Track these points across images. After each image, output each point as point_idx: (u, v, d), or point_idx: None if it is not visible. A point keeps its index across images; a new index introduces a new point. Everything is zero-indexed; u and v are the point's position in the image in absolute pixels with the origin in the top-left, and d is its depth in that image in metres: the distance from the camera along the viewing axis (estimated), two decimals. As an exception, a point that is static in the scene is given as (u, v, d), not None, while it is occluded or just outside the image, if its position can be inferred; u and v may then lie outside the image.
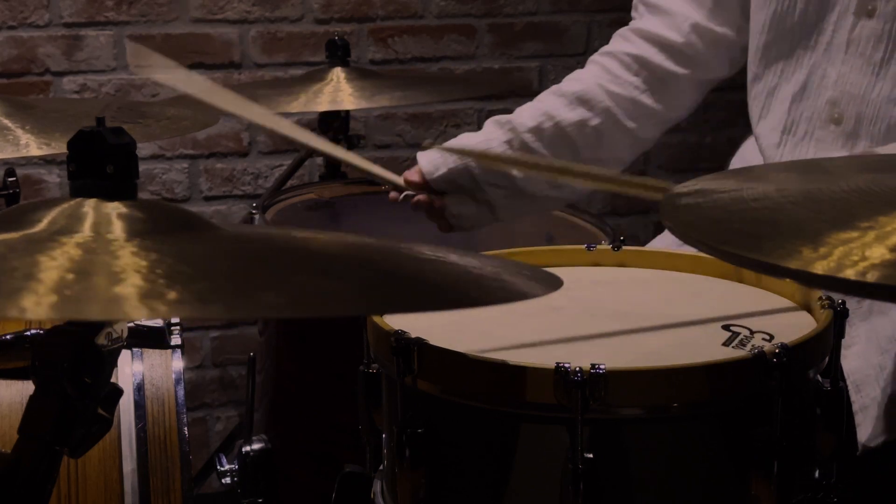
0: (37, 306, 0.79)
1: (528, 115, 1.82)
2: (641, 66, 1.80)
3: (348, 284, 0.91)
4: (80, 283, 0.83)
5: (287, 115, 2.74)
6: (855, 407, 1.53)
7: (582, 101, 1.80)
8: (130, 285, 0.83)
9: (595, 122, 1.79)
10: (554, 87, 1.85)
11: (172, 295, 0.82)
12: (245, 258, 0.96)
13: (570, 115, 1.79)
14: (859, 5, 1.58)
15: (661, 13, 1.80)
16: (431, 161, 1.80)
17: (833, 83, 1.61)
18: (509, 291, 1.03)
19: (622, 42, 1.83)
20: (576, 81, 1.83)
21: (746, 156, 1.80)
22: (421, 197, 1.81)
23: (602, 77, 1.81)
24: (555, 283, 1.06)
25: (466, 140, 1.84)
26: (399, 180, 1.82)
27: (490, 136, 1.81)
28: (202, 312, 0.83)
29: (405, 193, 1.83)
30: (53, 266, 0.85)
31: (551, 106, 1.81)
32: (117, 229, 0.93)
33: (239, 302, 0.85)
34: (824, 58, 1.62)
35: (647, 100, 1.80)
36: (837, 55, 1.61)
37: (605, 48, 1.85)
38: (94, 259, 0.88)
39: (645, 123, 1.82)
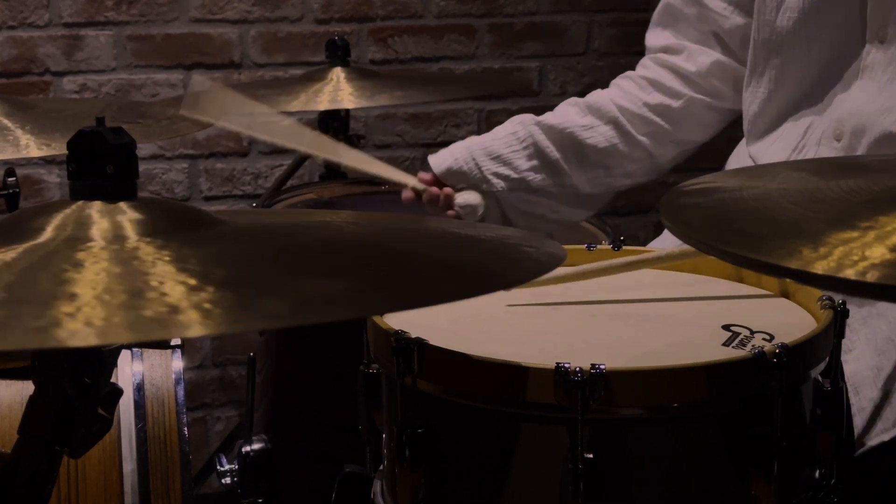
0: (84, 335, 0.77)
1: (540, 115, 1.89)
2: (654, 87, 1.85)
3: (354, 284, 0.89)
4: (123, 303, 0.81)
5: (287, 114, 2.77)
6: (853, 409, 1.53)
7: (592, 109, 1.86)
8: (175, 301, 0.81)
9: (603, 128, 1.85)
10: (569, 99, 1.92)
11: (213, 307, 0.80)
12: (250, 261, 0.94)
13: (580, 119, 1.86)
14: (871, 33, 1.60)
15: (677, 52, 1.86)
16: (439, 157, 1.87)
17: (842, 105, 1.62)
18: (523, 270, 1.00)
19: (640, 68, 1.90)
20: (591, 95, 1.90)
21: (742, 158, 1.80)
22: (432, 190, 1.84)
23: (615, 94, 1.88)
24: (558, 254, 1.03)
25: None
26: (415, 181, 1.87)
27: (498, 129, 1.88)
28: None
29: (422, 190, 1.86)
30: (85, 283, 0.83)
31: (563, 111, 1.89)
32: (130, 235, 0.92)
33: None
34: (841, 87, 1.64)
35: (657, 118, 1.85)
36: (853, 82, 1.62)
37: (626, 73, 1.91)
38: (126, 273, 0.86)
39: (658, 141, 1.87)
